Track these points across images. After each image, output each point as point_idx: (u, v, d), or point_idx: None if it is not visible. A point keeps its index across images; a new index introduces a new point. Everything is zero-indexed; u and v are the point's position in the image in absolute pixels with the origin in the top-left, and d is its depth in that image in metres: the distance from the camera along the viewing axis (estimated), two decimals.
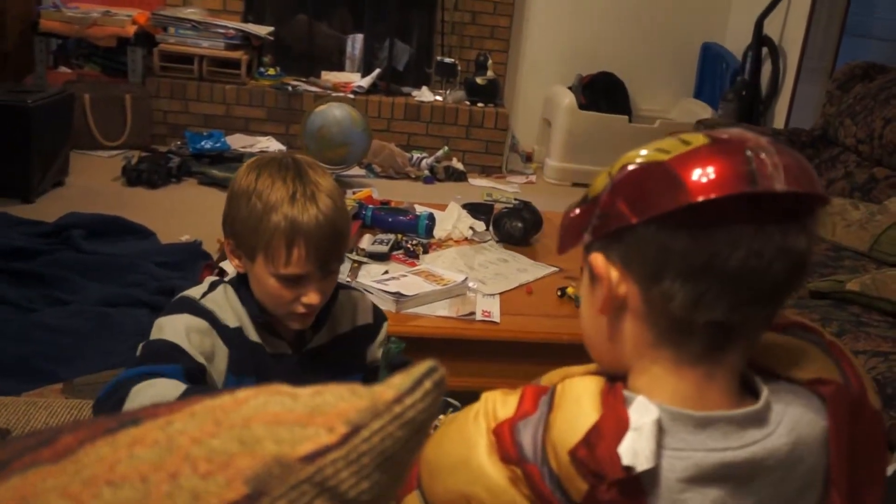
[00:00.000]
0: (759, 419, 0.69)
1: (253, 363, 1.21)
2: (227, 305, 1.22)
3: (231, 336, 1.20)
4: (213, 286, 1.24)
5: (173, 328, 1.16)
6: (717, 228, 0.65)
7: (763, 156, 0.66)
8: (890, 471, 1.32)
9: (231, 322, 1.21)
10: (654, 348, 0.71)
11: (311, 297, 1.18)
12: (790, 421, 0.70)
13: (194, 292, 1.23)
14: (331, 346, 1.29)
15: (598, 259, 0.72)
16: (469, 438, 0.73)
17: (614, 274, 0.71)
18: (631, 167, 0.69)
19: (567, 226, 0.76)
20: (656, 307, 0.69)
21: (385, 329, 1.39)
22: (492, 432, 0.72)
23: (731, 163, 0.65)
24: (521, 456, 0.69)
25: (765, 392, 0.71)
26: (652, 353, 0.71)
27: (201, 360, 1.14)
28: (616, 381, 0.72)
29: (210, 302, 1.21)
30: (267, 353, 1.22)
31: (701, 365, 0.70)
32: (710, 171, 0.65)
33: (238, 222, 1.18)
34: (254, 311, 1.21)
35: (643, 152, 0.70)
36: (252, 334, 1.22)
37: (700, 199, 0.64)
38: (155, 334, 1.16)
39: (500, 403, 0.74)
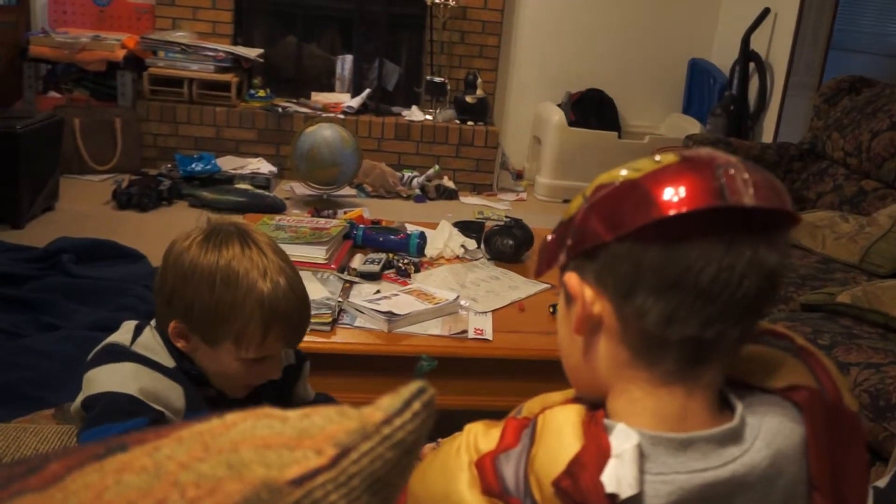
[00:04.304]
0: (736, 435, 0.69)
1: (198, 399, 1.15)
2: (159, 348, 1.15)
3: (174, 374, 1.13)
4: (138, 330, 1.17)
5: (120, 379, 1.08)
6: (688, 243, 0.66)
7: (732, 171, 0.66)
8: (883, 483, 1.32)
9: (168, 363, 1.14)
10: (630, 368, 0.71)
11: (273, 373, 1.15)
12: (767, 433, 0.70)
13: (121, 339, 1.15)
14: (260, 388, 1.24)
15: (571, 278, 0.73)
16: (451, 472, 0.73)
17: (588, 293, 0.71)
18: (604, 187, 0.70)
19: (544, 249, 0.77)
20: (630, 324, 0.70)
21: (307, 367, 1.35)
22: (474, 465, 0.72)
23: (701, 178, 0.66)
24: (503, 489, 0.69)
25: (739, 407, 0.71)
26: (628, 373, 0.72)
27: (158, 407, 1.08)
28: (596, 408, 0.72)
29: (142, 348, 1.14)
30: (201, 396, 1.17)
31: (678, 384, 0.70)
32: (681, 187, 0.66)
33: (198, 309, 1.09)
34: (186, 366, 1.15)
35: (619, 172, 0.71)
36: (185, 378, 1.16)
37: (671, 213, 0.65)
38: (95, 388, 1.08)
39: (481, 436, 0.74)
